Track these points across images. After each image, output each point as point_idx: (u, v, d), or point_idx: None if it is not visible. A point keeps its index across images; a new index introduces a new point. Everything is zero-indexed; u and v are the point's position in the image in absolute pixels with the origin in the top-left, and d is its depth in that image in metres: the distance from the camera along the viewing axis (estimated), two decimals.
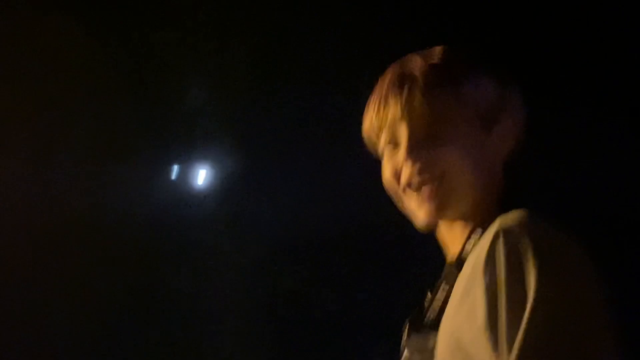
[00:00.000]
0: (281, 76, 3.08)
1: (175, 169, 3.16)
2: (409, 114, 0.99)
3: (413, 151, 0.99)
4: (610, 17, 2.95)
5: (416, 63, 1.03)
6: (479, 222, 0.99)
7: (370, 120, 1.06)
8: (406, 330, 1.05)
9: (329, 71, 2.97)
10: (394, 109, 1.01)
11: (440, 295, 1.01)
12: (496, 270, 0.86)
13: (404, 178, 1.01)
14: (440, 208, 1.00)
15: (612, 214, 2.89)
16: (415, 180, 1.00)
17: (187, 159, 3.18)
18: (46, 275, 2.93)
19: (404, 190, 1.03)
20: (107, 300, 3.00)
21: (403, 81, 1.01)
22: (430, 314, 1.01)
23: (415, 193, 1.01)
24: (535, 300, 0.81)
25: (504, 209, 0.95)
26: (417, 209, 1.02)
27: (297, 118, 3.08)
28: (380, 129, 1.04)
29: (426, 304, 1.04)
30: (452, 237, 1.06)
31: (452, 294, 0.97)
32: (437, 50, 1.06)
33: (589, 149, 2.87)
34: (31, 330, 2.90)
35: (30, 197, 2.92)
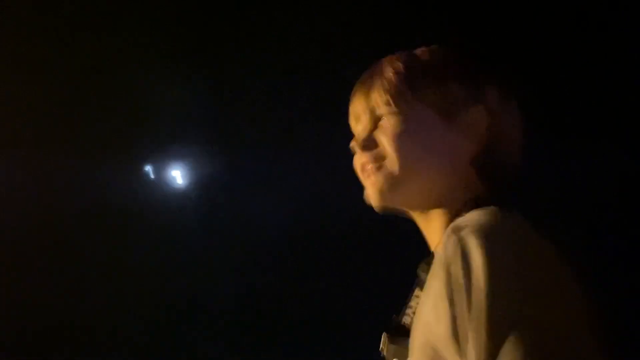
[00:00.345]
0: (265, 73, 3.08)
1: (158, 166, 3.18)
2: (370, 108, 1.07)
3: (365, 141, 1.05)
4: (609, 16, 2.95)
5: (388, 61, 1.09)
6: (450, 222, 0.98)
7: (349, 114, 1.13)
8: (384, 337, 1.04)
9: (313, 68, 2.97)
10: (362, 103, 1.08)
11: (414, 300, 1.00)
12: (450, 275, 0.84)
13: (358, 165, 1.07)
14: (384, 189, 1.03)
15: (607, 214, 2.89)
16: (363, 163, 1.06)
17: (169, 157, 3.19)
18: (30, 269, 2.94)
19: (361, 176, 1.08)
20: (89, 294, 3.00)
21: (372, 78, 1.08)
22: (406, 320, 1.01)
23: (365, 177, 1.06)
24: (487, 307, 0.79)
25: (478, 207, 0.94)
26: (367, 190, 1.06)
27: (281, 116, 3.08)
28: (355, 122, 1.11)
29: (403, 309, 1.04)
30: (428, 235, 1.06)
31: (422, 298, 0.96)
32: (418, 49, 1.10)
33: (582, 149, 2.87)
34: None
35: (14, 194, 2.92)
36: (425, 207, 1.04)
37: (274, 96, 3.06)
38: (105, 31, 2.97)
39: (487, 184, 1.03)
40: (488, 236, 0.82)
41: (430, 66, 1.05)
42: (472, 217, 0.88)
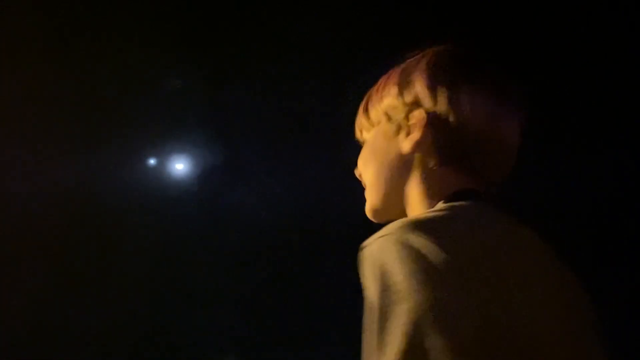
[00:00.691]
0: (262, 68, 3.09)
1: (157, 159, 3.18)
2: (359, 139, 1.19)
3: (356, 170, 1.17)
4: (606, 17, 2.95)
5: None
6: None
7: None
8: None
9: (310, 63, 2.97)
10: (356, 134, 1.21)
11: None
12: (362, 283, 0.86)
13: None
14: (369, 208, 1.12)
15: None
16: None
17: (168, 149, 3.19)
18: (24, 265, 2.94)
19: None
20: (85, 287, 3.00)
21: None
22: None
23: None
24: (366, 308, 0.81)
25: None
26: None
27: (280, 110, 3.09)
28: None
29: None
30: None
31: None
32: None
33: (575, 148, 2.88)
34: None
35: (12, 186, 2.92)
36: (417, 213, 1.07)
37: (276, 91, 3.06)
38: (105, 25, 2.97)
39: (469, 178, 1.03)
40: (377, 240, 0.85)
41: (379, 87, 1.12)
42: (383, 229, 0.90)
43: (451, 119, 1.02)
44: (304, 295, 3.07)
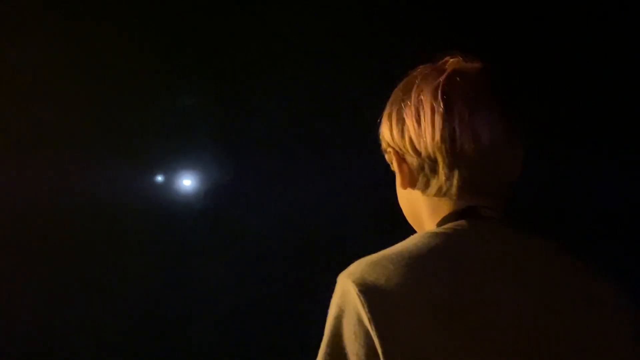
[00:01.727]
0: (272, 84, 3.09)
1: (164, 170, 3.19)
2: None
3: None
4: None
5: None
6: None
7: None
8: None
9: (322, 81, 2.98)
10: None
11: None
12: None
13: None
14: None
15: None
16: None
17: (175, 161, 3.20)
18: (32, 271, 2.95)
19: None
20: (92, 299, 3.01)
21: None
22: None
23: None
24: None
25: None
26: None
27: (289, 127, 3.09)
28: None
29: None
30: None
31: None
32: None
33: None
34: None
35: (18, 193, 2.93)
36: None
37: (287, 108, 3.07)
38: (111, 34, 2.98)
39: (468, 196, 1.04)
40: (340, 276, 0.97)
41: None
42: None
43: (410, 147, 1.05)
44: (311, 311, 3.06)
